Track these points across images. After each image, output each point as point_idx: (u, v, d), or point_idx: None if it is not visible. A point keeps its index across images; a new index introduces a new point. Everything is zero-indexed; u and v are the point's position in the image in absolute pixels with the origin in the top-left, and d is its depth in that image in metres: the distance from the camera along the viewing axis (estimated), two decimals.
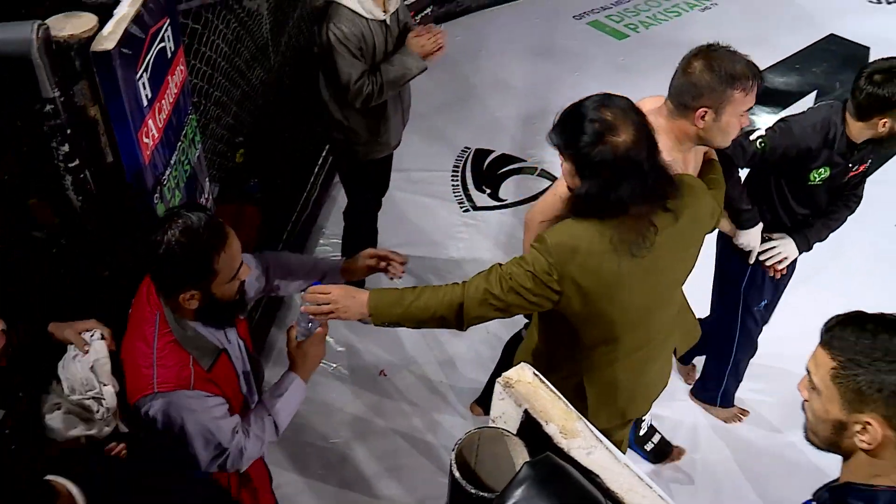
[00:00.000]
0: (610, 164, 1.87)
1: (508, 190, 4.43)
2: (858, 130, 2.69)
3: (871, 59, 6.03)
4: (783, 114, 5.26)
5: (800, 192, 2.86)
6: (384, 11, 3.05)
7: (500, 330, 3.64)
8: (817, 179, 2.80)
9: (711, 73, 2.12)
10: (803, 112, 2.85)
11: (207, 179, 2.63)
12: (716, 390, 3.44)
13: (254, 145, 3.55)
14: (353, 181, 3.55)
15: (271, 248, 3.62)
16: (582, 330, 2.11)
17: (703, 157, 2.38)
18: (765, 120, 5.22)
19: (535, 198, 4.41)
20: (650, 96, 2.39)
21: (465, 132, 4.80)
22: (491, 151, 4.67)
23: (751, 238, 2.85)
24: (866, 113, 2.64)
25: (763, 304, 3.16)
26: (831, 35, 6.42)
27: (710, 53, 2.16)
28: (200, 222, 1.79)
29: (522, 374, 1.40)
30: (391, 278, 2.34)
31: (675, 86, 2.21)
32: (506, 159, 4.63)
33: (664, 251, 2.00)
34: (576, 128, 1.92)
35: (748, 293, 3.10)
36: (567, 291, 1.98)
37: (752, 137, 2.76)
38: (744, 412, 3.51)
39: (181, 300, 1.83)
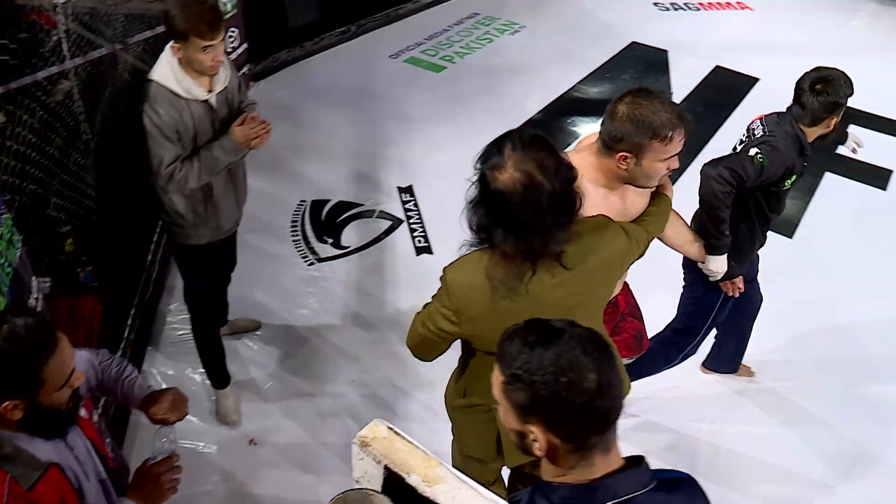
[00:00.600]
0: (487, 198, 1.89)
1: (350, 236, 4.43)
2: (811, 133, 3.02)
3: (670, 60, 6.56)
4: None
5: (774, 199, 3.07)
6: (208, 91, 2.85)
7: (367, 377, 3.65)
8: (789, 185, 3.05)
9: (631, 122, 2.14)
10: (770, 133, 2.99)
11: (34, 277, 2.51)
12: (732, 361, 3.69)
13: (83, 232, 3.40)
14: (185, 265, 3.31)
15: (116, 338, 3.48)
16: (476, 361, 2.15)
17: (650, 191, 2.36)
18: (587, 129, 5.49)
19: (378, 240, 4.44)
20: (593, 133, 2.39)
21: (298, 186, 4.77)
22: (327, 201, 4.66)
23: (719, 264, 2.98)
24: (820, 118, 2.98)
25: (755, 274, 3.40)
26: (633, 43, 6.84)
27: (635, 100, 2.17)
28: (25, 327, 1.66)
29: (377, 430, 1.40)
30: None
31: (603, 127, 2.23)
32: (343, 206, 4.63)
33: (556, 295, 1.98)
34: (482, 153, 1.94)
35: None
36: (464, 325, 2.04)
37: (750, 154, 2.91)
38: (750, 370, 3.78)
39: (2, 411, 1.67)
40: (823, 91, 2.95)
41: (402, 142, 5.21)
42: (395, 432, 1.41)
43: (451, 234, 4.62)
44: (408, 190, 4.78)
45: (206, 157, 2.85)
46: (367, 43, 6.54)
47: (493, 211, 1.90)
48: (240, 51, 5.47)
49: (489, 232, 1.93)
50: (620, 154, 2.18)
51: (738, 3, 8.09)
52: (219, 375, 3.47)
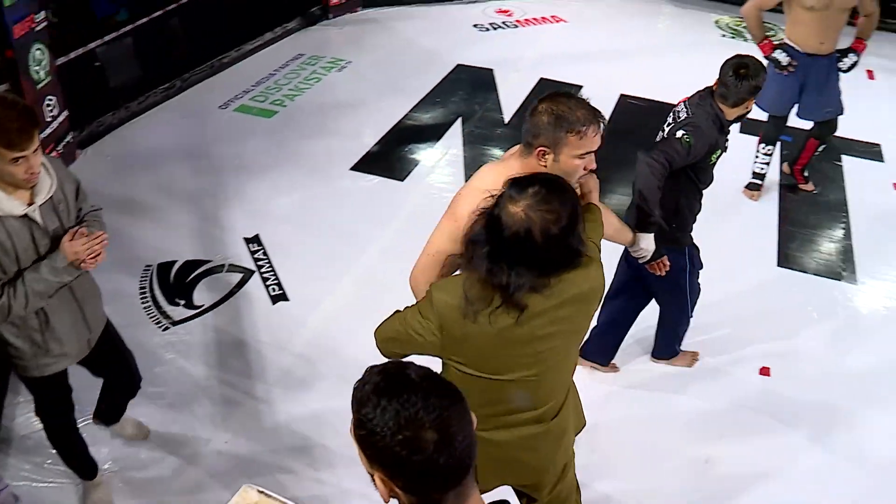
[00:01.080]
0: (490, 219, 1.97)
1: (203, 295, 4.30)
2: (732, 114, 3.33)
3: (497, 77, 6.77)
4: (440, 146, 5.70)
5: (703, 173, 3.39)
6: (28, 204, 2.46)
7: (239, 439, 3.55)
8: (714, 159, 3.37)
9: (549, 115, 2.24)
10: (692, 114, 3.29)
11: None
12: (674, 345, 3.95)
13: None
14: (35, 398, 2.94)
15: None
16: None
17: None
18: (427, 155, 5.58)
19: (231, 294, 4.34)
20: (517, 147, 2.48)
21: (141, 251, 4.58)
22: (173, 262, 4.50)
23: (650, 242, 3.12)
24: (743, 100, 3.29)
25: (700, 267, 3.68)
26: (458, 65, 7.01)
27: (553, 98, 2.30)
28: None
29: (247, 496, 1.39)
30: None
31: (524, 127, 2.34)
32: (191, 265, 4.49)
33: (521, 332, 2.03)
34: (516, 182, 1.99)
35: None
36: (446, 342, 2.10)
37: (677, 136, 3.21)
38: (695, 354, 4.04)
39: None
40: (747, 76, 3.26)
41: (242, 192, 5.13)
42: (267, 495, 1.38)
43: (305, 277, 4.64)
44: (255, 239, 4.70)
45: (33, 280, 2.48)
46: (194, 96, 6.40)
47: (487, 232, 1.98)
48: (60, 119, 5.24)
49: (474, 249, 2.00)
50: (539, 149, 2.27)
51: (552, 17, 8.44)
52: (84, 465, 3.19)
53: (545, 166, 2.28)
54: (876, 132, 6.16)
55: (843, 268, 4.80)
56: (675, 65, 7.14)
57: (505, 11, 8.46)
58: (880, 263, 4.84)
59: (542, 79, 6.87)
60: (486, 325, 2.02)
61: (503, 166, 2.36)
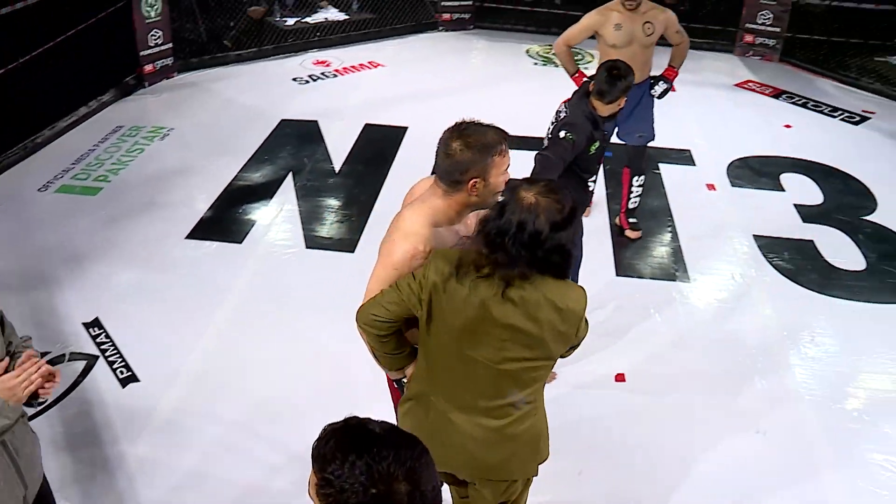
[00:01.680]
0: (506, 200, 2.23)
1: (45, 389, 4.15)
2: (606, 110, 3.95)
3: (322, 128, 6.87)
4: (275, 203, 5.73)
5: (585, 162, 3.94)
6: None
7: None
8: (594, 150, 3.96)
9: (471, 149, 2.40)
10: (570, 114, 3.99)
11: None
12: None
13: None
14: None
15: None
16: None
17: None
18: (262, 214, 5.60)
19: (77, 384, 4.16)
20: (420, 181, 2.70)
21: None
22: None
23: None
24: (616, 98, 3.92)
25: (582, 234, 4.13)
26: (282, 121, 7.08)
27: (463, 132, 2.43)
28: None
29: None
30: None
31: (443, 168, 2.44)
32: None
33: (498, 312, 2.23)
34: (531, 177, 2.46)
35: None
36: (432, 307, 2.31)
37: (560, 135, 3.79)
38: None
39: None
40: (620, 76, 3.89)
41: (74, 275, 4.97)
42: None
43: (153, 354, 4.54)
44: (94, 323, 4.57)
45: None
46: (10, 180, 6.13)
47: (497, 213, 2.21)
48: None
49: (482, 226, 2.23)
50: (471, 182, 2.42)
51: (370, 63, 8.67)
52: None
53: (476, 194, 2.46)
54: (685, 139, 6.73)
55: (675, 269, 5.21)
56: (494, 95, 7.51)
57: (323, 62, 8.62)
58: (706, 259, 5.31)
59: (367, 124, 7.05)
60: (469, 290, 2.23)
61: (427, 209, 2.50)
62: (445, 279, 2.26)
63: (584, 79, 4.92)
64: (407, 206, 2.61)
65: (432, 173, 2.55)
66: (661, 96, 5.31)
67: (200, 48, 8.48)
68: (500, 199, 2.29)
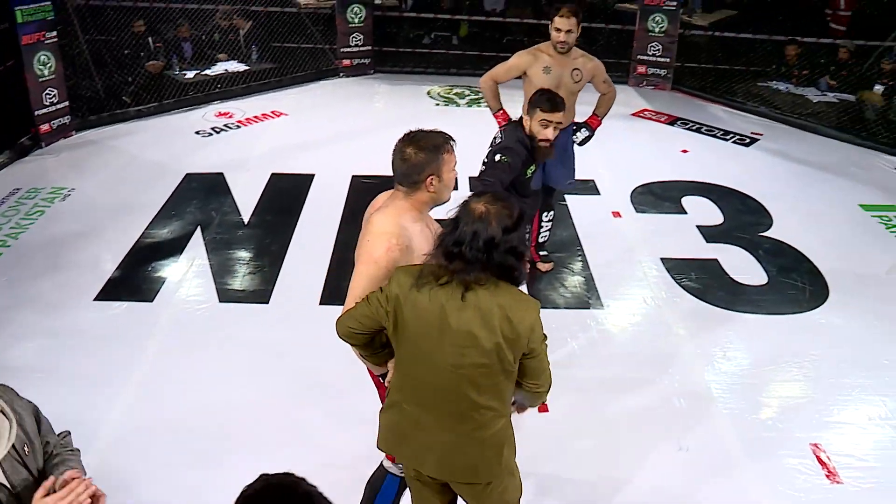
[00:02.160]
0: (458, 213, 2.46)
1: None
2: (543, 131, 4.14)
3: (228, 180, 6.81)
4: (184, 259, 5.61)
5: (521, 186, 4.18)
6: None
7: None
8: (529, 174, 4.23)
9: (424, 151, 2.75)
10: (505, 139, 4.22)
11: None
12: None
13: None
14: None
15: None
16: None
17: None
18: (172, 271, 5.48)
19: None
20: (378, 196, 3.00)
21: None
22: None
23: None
24: (552, 108, 4.11)
25: None
26: (188, 175, 6.98)
27: (414, 139, 2.79)
28: None
29: None
30: None
31: (402, 172, 2.78)
32: None
33: (456, 319, 2.41)
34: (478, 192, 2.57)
35: None
36: (396, 318, 2.51)
37: (496, 159, 4.07)
38: None
39: None
40: (551, 100, 4.14)
41: None
42: None
43: (67, 424, 4.32)
44: None
45: None
46: None
47: (452, 226, 2.43)
48: None
49: (440, 241, 2.46)
50: (428, 179, 2.76)
51: (273, 112, 8.66)
52: None
53: (434, 191, 2.80)
54: (588, 169, 6.87)
55: (588, 297, 5.32)
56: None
57: (225, 114, 8.57)
58: (617, 285, 5.45)
59: (273, 174, 7.02)
60: (429, 299, 2.42)
61: (393, 209, 2.82)
62: (407, 291, 2.46)
63: (506, 121, 4.93)
64: (374, 213, 2.88)
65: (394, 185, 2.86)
66: (582, 143, 5.31)
67: (98, 105, 8.31)
68: (452, 214, 2.48)
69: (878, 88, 9.03)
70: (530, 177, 4.27)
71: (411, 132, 2.84)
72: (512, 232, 2.41)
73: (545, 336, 2.54)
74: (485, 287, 2.40)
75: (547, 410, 4.24)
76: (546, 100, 4.16)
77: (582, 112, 5.32)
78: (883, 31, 9.54)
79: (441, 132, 2.84)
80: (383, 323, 2.53)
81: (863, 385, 4.54)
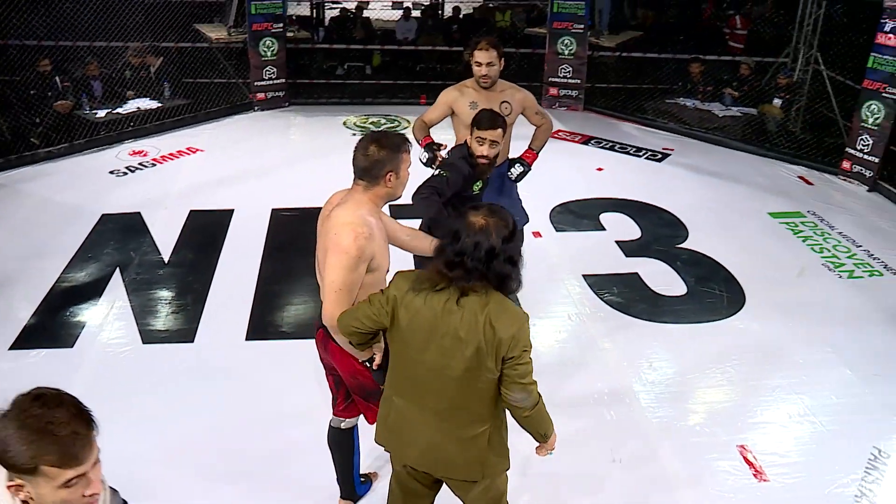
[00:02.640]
0: (456, 224, 2.63)
1: None
2: (481, 148, 4.16)
3: (146, 219, 6.68)
4: (104, 301, 5.46)
5: (469, 201, 4.04)
6: None
7: None
8: (477, 189, 4.30)
9: (385, 149, 2.99)
10: (450, 156, 4.32)
11: None
12: None
13: None
14: None
15: None
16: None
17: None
18: (92, 314, 5.33)
19: None
20: (334, 194, 3.17)
21: None
22: None
23: None
24: (489, 126, 4.14)
25: None
26: (104, 216, 6.81)
27: (376, 139, 3.03)
28: None
29: None
30: None
31: (363, 167, 3.00)
32: None
33: (446, 322, 2.60)
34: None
35: None
36: (394, 320, 2.72)
37: (436, 173, 4.12)
38: None
39: None
40: (484, 117, 4.16)
41: None
42: None
43: None
44: None
45: None
46: None
47: (452, 238, 2.58)
48: None
49: (440, 251, 2.62)
50: (388, 175, 3.00)
51: (188, 149, 8.54)
52: None
53: (391, 186, 3.03)
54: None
55: None
56: (316, 169, 7.59)
57: (139, 152, 8.42)
58: (542, 303, 5.51)
59: (192, 211, 6.92)
60: (424, 302, 2.63)
61: (353, 203, 3.00)
62: (403, 294, 2.67)
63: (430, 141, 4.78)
64: (334, 208, 3.04)
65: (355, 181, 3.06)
66: (517, 179, 4.99)
67: (5, 148, 8.04)
68: (454, 227, 2.63)
69: (777, 102, 9.46)
70: (479, 193, 4.32)
71: (373, 133, 3.10)
72: (510, 242, 2.58)
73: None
74: (477, 294, 2.59)
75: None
76: (480, 118, 4.20)
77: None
78: (778, 48, 9.99)
79: (400, 134, 3.10)
80: (385, 323, 2.72)
81: (781, 385, 4.72)
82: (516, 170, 4.96)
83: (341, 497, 3.75)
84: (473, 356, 2.60)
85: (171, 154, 8.40)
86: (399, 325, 2.69)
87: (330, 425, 3.54)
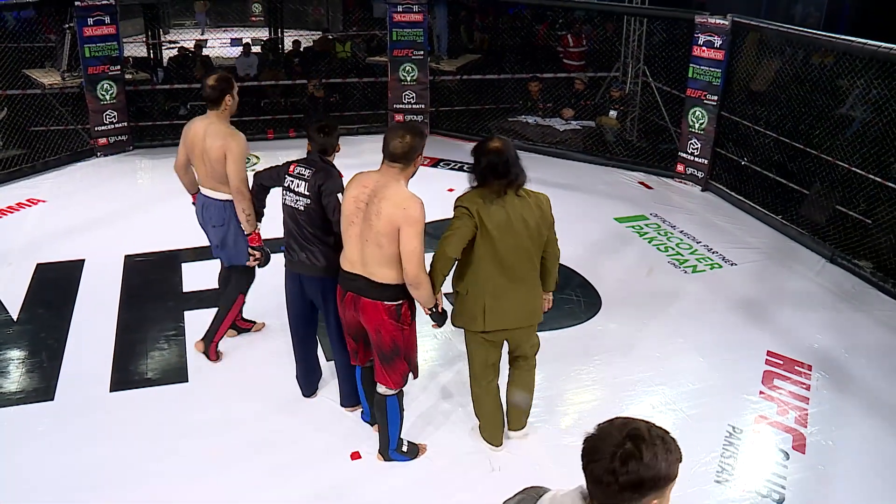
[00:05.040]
0: (482, 156, 3.82)
1: None
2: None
3: (87, 266, 6.29)
4: None
5: None
6: None
7: None
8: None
9: (417, 136, 3.74)
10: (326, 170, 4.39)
11: None
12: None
13: None
14: None
15: None
16: (474, 254, 3.86)
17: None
18: None
19: None
20: (362, 176, 3.81)
21: None
22: None
23: None
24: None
25: None
26: (38, 265, 6.56)
27: (409, 127, 3.80)
28: None
29: None
30: None
31: (400, 153, 3.68)
32: None
33: (516, 212, 3.80)
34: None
35: None
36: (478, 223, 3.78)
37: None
38: None
39: None
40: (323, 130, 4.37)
41: None
42: None
43: None
44: None
45: None
46: None
47: (486, 163, 3.78)
48: None
49: (483, 177, 3.80)
50: (418, 158, 3.77)
51: (28, 200, 8.15)
52: None
53: (417, 167, 3.81)
54: None
55: None
56: (168, 211, 7.39)
57: None
58: None
59: (38, 265, 6.61)
60: (496, 205, 3.77)
61: (397, 182, 3.72)
62: (481, 206, 3.76)
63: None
64: (382, 187, 3.69)
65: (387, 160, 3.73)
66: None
67: None
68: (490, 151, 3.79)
69: (613, 114, 10.00)
70: None
71: (401, 123, 3.87)
72: (517, 156, 3.83)
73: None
74: (521, 191, 3.83)
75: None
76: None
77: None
78: (609, 63, 10.57)
79: (418, 121, 3.86)
80: (473, 232, 3.76)
81: (643, 379, 5.01)
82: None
83: (379, 452, 4.31)
84: (535, 230, 3.85)
85: (9, 207, 7.97)
86: (486, 228, 3.75)
87: (378, 393, 4.11)
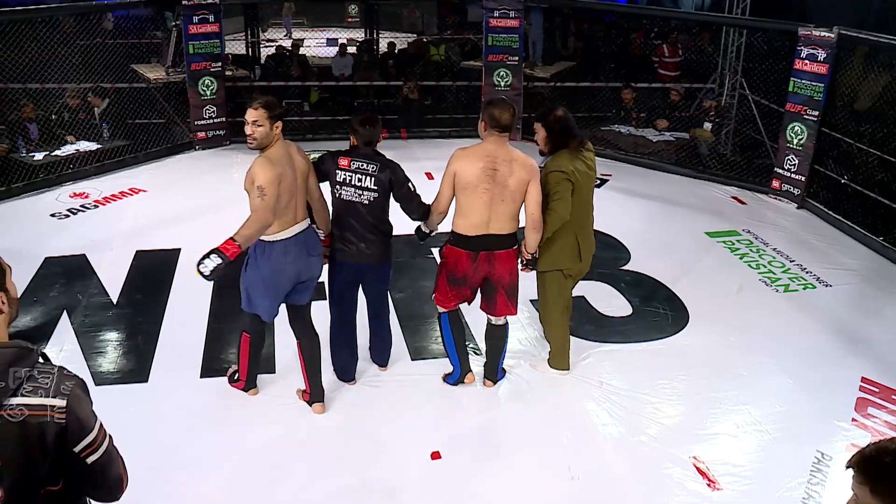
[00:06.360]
0: (551, 123, 4.60)
1: None
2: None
3: (92, 261, 6.60)
4: (52, 346, 5.39)
5: None
6: None
7: None
8: None
9: (514, 114, 4.45)
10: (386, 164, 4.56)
11: None
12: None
13: None
14: None
15: None
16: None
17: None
18: None
19: None
20: (475, 147, 4.43)
21: None
22: None
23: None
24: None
25: None
26: (46, 259, 6.71)
27: (509, 107, 4.43)
28: None
29: None
30: None
31: (510, 124, 4.36)
32: None
33: (586, 164, 4.64)
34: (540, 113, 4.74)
35: None
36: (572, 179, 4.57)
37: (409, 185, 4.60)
38: None
39: None
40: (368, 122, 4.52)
41: None
42: None
43: None
44: None
45: None
46: None
47: (560, 128, 4.60)
48: None
49: (559, 140, 4.60)
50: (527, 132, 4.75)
51: (130, 189, 8.48)
52: None
53: (511, 137, 4.46)
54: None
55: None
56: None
57: (80, 194, 8.32)
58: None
59: (138, 251, 6.87)
60: (578, 162, 4.59)
61: (512, 148, 4.43)
62: (571, 165, 4.51)
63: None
64: (506, 153, 4.37)
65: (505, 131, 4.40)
66: (209, 277, 4.34)
67: None
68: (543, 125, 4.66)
69: (707, 126, 9.81)
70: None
71: (498, 98, 5.25)
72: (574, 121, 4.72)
73: None
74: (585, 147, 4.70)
75: (440, 457, 4.32)
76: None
77: None
78: (706, 74, 10.38)
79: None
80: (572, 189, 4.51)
81: (728, 397, 4.90)
82: (209, 264, 4.32)
83: (485, 377, 5.02)
84: (593, 178, 4.74)
85: (113, 195, 8.33)
86: (578, 182, 4.52)
87: (489, 323, 4.87)
